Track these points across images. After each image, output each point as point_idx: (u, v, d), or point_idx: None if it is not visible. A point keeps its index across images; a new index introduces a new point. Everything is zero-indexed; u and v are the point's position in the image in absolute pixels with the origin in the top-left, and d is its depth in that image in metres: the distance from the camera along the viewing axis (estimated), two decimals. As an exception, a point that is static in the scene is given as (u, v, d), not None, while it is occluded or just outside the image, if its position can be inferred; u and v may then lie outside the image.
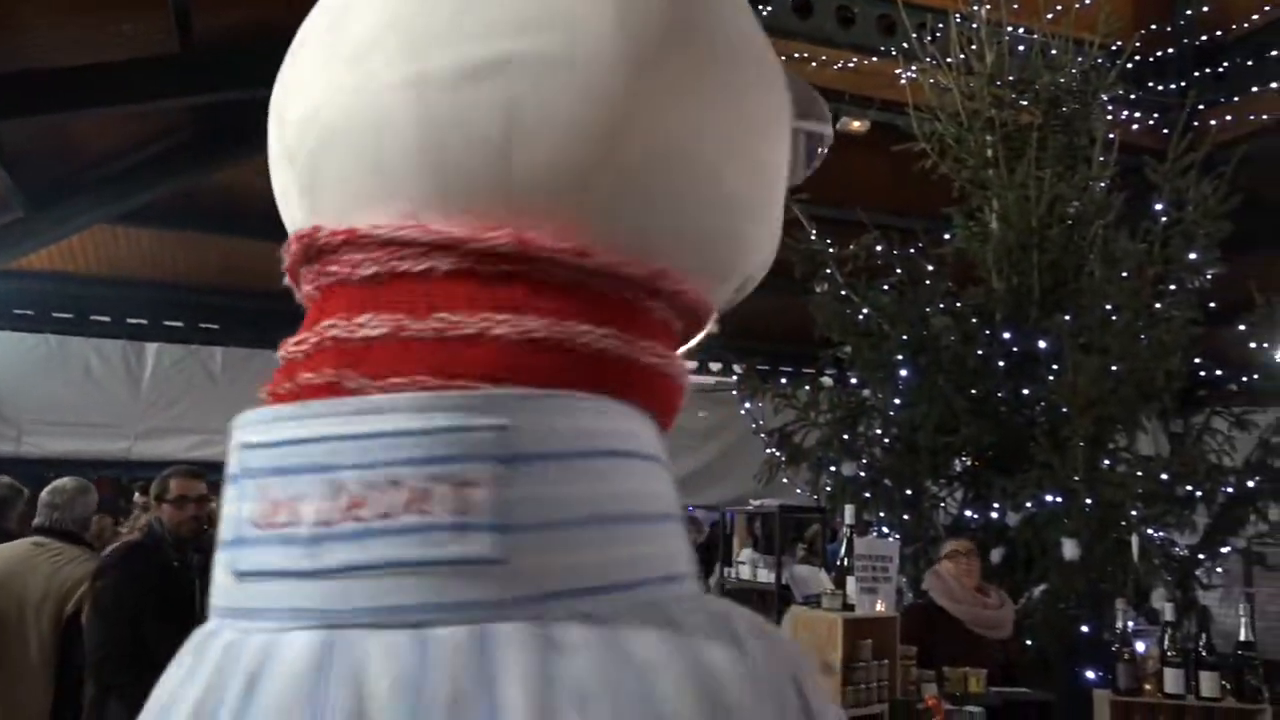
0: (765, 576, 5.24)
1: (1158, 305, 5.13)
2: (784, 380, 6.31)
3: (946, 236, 5.68)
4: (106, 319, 9.51)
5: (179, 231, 8.82)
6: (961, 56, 5.59)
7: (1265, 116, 7.73)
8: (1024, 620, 4.60)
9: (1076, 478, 4.65)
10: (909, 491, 5.35)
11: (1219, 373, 5.64)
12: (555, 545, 0.37)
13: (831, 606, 3.20)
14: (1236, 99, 7.92)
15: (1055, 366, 4.96)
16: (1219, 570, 5.35)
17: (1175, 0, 8.36)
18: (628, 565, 0.38)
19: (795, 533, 8.36)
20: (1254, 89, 7.84)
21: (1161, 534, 5.03)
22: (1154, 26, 8.23)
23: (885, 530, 5.25)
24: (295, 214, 0.47)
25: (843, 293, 5.53)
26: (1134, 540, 4.02)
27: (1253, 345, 5.54)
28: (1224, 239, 5.21)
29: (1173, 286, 5.21)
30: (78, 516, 4.02)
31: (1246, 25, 8.20)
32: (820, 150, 0.55)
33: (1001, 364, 5.23)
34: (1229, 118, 7.73)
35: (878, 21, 7.64)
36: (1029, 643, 4.56)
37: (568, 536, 0.37)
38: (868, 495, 5.35)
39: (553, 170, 0.41)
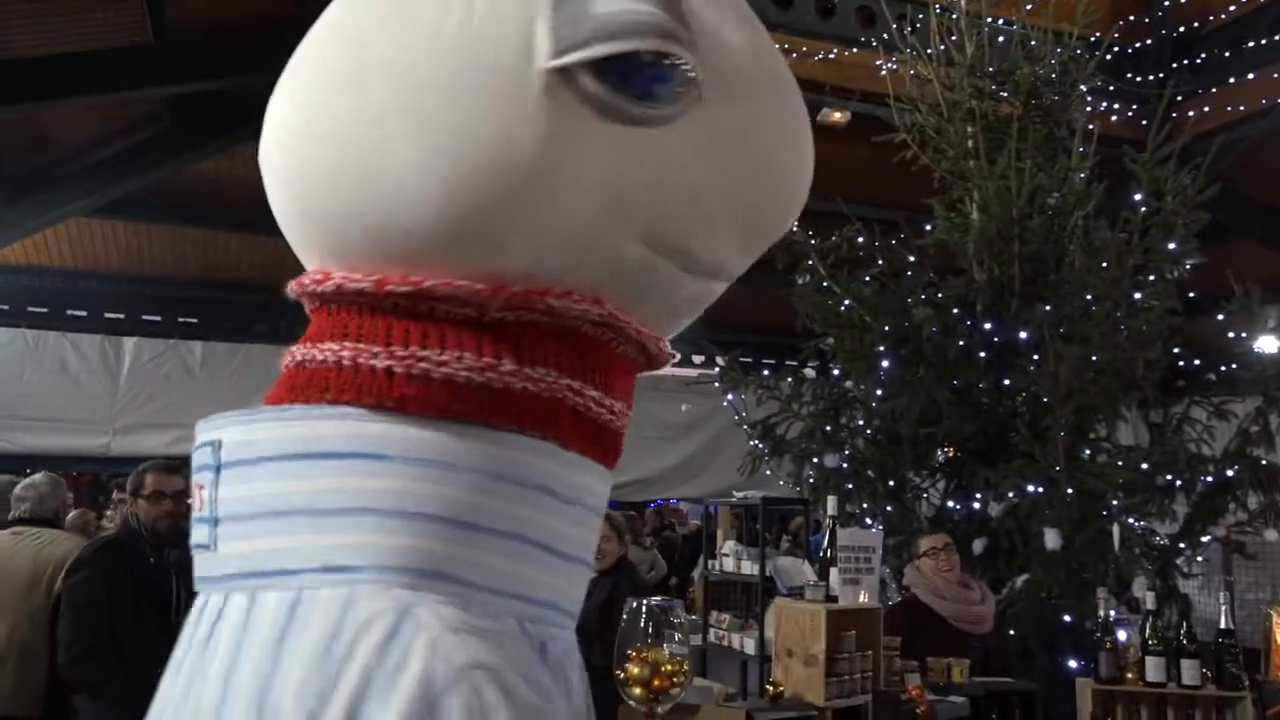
0: (749, 569, 5.23)
1: (1137, 295, 5.15)
2: (766, 372, 6.31)
3: (928, 228, 5.68)
4: (83, 313, 9.40)
5: (156, 224, 8.73)
6: (941, 48, 5.59)
7: (1243, 107, 7.78)
8: (1006, 610, 4.62)
9: (1058, 468, 4.67)
10: (891, 483, 5.36)
11: (1198, 362, 5.66)
12: (242, 535, 0.44)
13: (815, 598, 3.20)
14: (1214, 90, 7.98)
15: (1036, 357, 4.97)
16: (1199, 559, 5.39)
17: (1153, -8, 8.41)
18: (299, 554, 0.43)
19: (779, 525, 8.38)
20: (1231, 80, 7.90)
21: (1142, 523, 5.06)
22: (1132, 18, 8.28)
23: (869, 521, 5.26)
24: None
25: (824, 284, 5.53)
26: (1115, 530, 4.03)
27: (1231, 335, 5.57)
28: (1202, 229, 5.24)
29: (1152, 276, 5.23)
30: (50, 509, 4.00)
31: (1223, 17, 8.25)
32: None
33: (983, 355, 5.24)
34: (1206, 109, 7.78)
35: (857, 13, 7.65)
36: (1011, 632, 4.59)
37: (254, 528, 0.44)
38: (850, 487, 5.36)
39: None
